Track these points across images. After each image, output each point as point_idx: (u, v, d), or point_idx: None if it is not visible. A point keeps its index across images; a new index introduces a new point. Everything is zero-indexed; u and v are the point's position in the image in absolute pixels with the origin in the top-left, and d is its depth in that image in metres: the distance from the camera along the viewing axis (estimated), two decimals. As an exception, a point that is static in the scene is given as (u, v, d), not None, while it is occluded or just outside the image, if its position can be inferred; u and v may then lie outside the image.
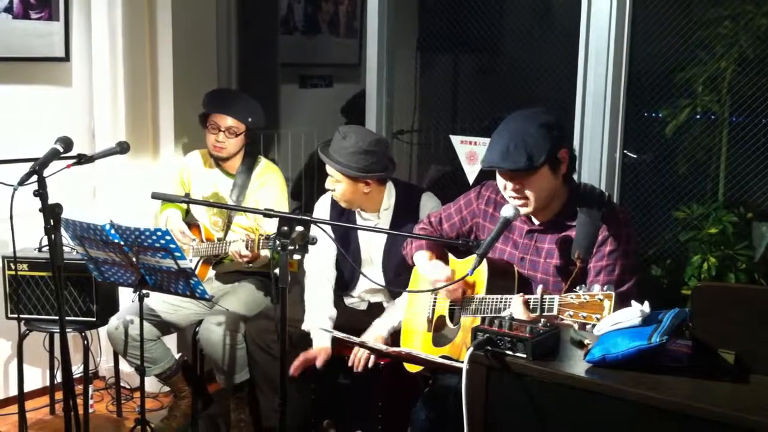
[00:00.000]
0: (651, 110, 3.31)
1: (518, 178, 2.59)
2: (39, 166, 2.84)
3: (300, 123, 5.01)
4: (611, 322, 2.07)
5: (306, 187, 4.88)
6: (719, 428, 1.79)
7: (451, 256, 2.99)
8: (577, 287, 2.28)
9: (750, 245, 3.02)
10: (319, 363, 3.23)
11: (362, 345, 3.10)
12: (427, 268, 2.92)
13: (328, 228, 3.22)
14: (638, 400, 1.88)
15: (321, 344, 3.27)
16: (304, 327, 3.35)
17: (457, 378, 2.16)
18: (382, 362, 3.18)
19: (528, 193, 2.60)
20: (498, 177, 2.67)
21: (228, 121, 3.68)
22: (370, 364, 3.17)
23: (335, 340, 3.25)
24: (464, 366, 2.09)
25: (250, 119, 3.71)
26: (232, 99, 3.81)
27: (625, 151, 3.31)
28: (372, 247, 3.42)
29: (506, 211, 2.62)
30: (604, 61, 3.21)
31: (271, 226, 3.40)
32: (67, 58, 4.20)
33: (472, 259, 2.58)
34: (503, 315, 2.18)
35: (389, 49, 3.95)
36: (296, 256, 2.70)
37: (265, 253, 3.56)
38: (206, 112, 3.73)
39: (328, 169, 3.29)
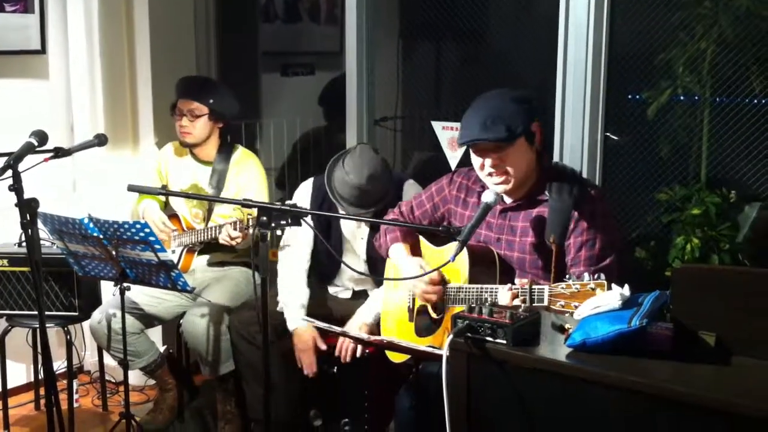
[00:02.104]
0: (632, 92, 3.30)
1: (498, 151, 2.58)
2: (13, 161, 2.80)
3: (282, 112, 4.97)
4: (591, 306, 2.06)
5: (290, 176, 4.85)
6: (700, 411, 1.78)
7: (426, 244, 2.97)
8: (567, 276, 2.27)
9: (732, 226, 3.01)
10: (322, 346, 3.26)
11: (344, 334, 3.08)
12: (403, 265, 2.91)
13: (309, 218, 3.19)
14: (619, 384, 1.87)
15: (300, 330, 3.29)
16: (278, 308, 3.38)
17: (439, 365, 2.15)
18: (368, 351, 3.17)
19: (508, 168, 2.60)
20: (474, 157, 2.66)
21: (188, 104, 3.65)
22: (358, 354, 3.16)
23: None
24: (444, 353, 2.08)
25: (211, 100, 3.65)
26: (196, 83, 3.77)
27: (606, 134, 3.29)
28: (355, 237, 3.40)
29: (487, 197, 2.61)
30: (583, 44, 3.19)
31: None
32: (43, 50, 4.14)
33: (451, 246, 2.56)
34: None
35: (369, 36, 3.92)
36: (278, 232, 2.69)
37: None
38: (174, 102, 3.71)
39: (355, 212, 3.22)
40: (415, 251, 2.98)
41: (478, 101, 2.67)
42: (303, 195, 3.44)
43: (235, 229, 3.41)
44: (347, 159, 3.22)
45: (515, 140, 2.57)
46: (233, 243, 3.47)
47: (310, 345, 3.27)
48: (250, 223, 3.32)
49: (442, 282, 2.78)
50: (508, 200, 2.73)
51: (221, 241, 3.49)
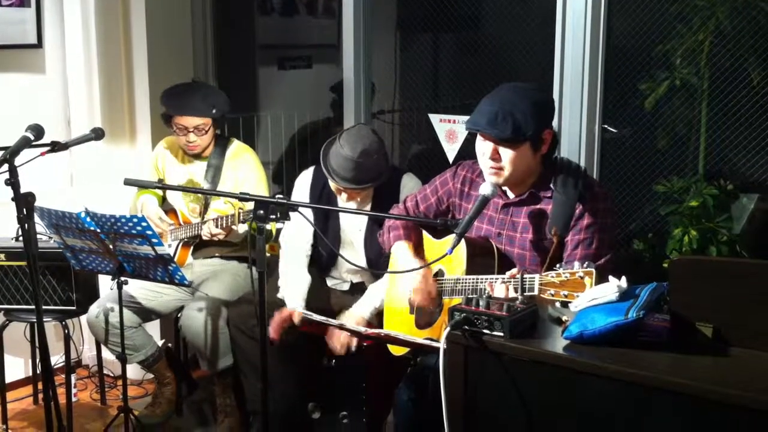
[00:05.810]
0: (630, 84, 3.29)
1: (498, 146, 2.57)
2: (10, 155, 2.79)
3: (279, 105, 4.96)
4: (588, 298, 2.05)
5: (287, 169, 4.85)
6: (698, 402, 1.78)
7: (428, 237, 2.97)
8: (557, 265, 2.27)
9: (730, 217, 3.01)
10: (296, 320, 3.23)
11: (341, 327, 3.08)
12: (404, 265, 2.89)
13: (307, 211, 3.19)
14: (616, 376, 1.87)
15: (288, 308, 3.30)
16: (279, 295, 3.37)
17: (437, 358, 2.15)
18: (365, 344, 3.16)
19: (504, 164, 2.58)
20: (478, 141, 2.64)
21: (193, 120, 3.60)
22: (352, 348, 3.16)
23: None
24: (441, 346, 2.08)
25: (214, 110, 3.61)
26: (191, 96, 3.64)
27: (604, 126, 3.29)
28: (353, 228, 3.40)
29: (484, 189, 2.60)
30: (581, 36, 3.18)
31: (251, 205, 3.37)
32: (39, 44, 4.13)
33: (450, 238, 2.56)
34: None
35: (366, 28, 3.91)
36: (278, 225, 2.68)
37: (244, 228, 3.53)
38: (166, 113, 3.66)
39: (346, 186, 3.22)
40: (419, 247, 2.98)
41: (500, 90, 2.63)
42: (303, 182, 3.46)
43: (217, 226, 3.42)
44: (344, 134, 3.24)
45: (519, 143, 2.55)
46: (217, 238, 3.48)
47: (288, 314, 3.26)
48: (241, 217, 3.31)
49: (437, 275, 2.78)
50: (511, 195, 2.72)
51: (204, 237, 3.49)
